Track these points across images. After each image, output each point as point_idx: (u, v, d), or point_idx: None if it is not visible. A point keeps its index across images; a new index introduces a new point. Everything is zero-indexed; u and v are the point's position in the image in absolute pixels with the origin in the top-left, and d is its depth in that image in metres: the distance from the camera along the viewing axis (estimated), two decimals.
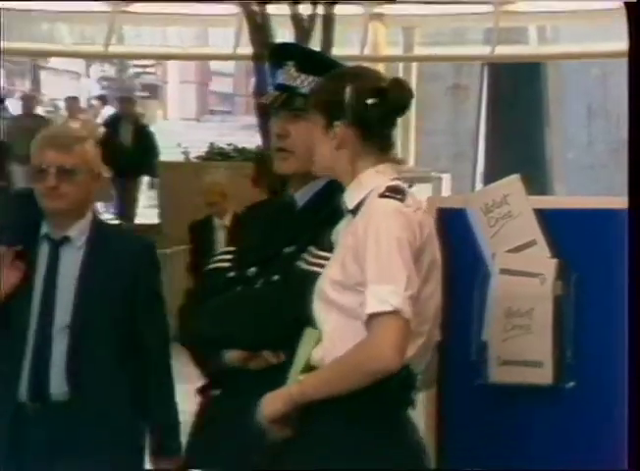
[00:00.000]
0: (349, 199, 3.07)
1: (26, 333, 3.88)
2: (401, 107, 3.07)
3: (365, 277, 3.00)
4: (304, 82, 3.37)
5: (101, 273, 3.91)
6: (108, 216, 13.55)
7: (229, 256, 3.54)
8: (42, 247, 3.90)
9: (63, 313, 3.88)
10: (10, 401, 3.87)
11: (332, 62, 3.52)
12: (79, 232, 3.90)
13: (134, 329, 3.89)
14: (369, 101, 3.04)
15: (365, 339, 3.00)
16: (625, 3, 3.75)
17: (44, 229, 3.90)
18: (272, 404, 3.06)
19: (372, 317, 2.95)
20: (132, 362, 3.88)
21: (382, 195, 3.00)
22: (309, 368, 3.13)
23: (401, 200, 3.00)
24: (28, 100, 17.23)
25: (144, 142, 14.22)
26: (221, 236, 8.13)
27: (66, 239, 3.89)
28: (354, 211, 3.08)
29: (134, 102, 16.07)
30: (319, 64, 3.45)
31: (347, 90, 3.09)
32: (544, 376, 3.33)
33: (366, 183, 3.08)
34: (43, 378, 3.83)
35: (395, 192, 3.03)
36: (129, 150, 13.83)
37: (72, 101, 17.40)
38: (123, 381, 3.89)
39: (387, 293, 2.96)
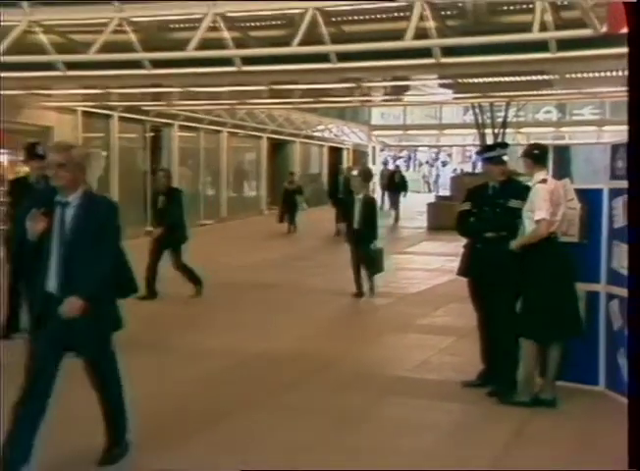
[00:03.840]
0: (532, 182, 6.53)
1: (50, 252, 4.68)
2: (547, 153, 6.76)
3: (535, 208, 6.30)
4: (498, 152, 7.01)
5: (84, 218, 4.73)
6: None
7: (467, 204, 7.00)
8: (57, 208, 4.70)
9: (68, 241, 4.66)
10: (43, 291, 4.73)
11: (508, 144, 7.37)
12: (73, 198, 4.72)
13: (99, 243, 4.70)
14: (535, 151, 6.68)
15: (537, 226, 6.32)
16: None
17: (57, 197, 4.72)
18: (522, 240, 6.43)
19: (538, 220, 6.32)
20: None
21: (539, 182, 6.49)
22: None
23: (545, 183, 6.51)
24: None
25: (400, 179, 30.14)
26: (357, 205, 11.90)
27: (67, 203, 4.70)
28: (531, 187, 6.47)
29: (399, 168, 35.85)
30: (505, 146, 7.22)
31: (526, 157, 6.56)
32: (575, 237, 6.81)
33: (536, 178, 6.56)
34: (64, 277, 4.70)
35: (544, 182, 6.49)
36: (394, 183, 29.99)
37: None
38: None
39: (542, 213, 6.35)
